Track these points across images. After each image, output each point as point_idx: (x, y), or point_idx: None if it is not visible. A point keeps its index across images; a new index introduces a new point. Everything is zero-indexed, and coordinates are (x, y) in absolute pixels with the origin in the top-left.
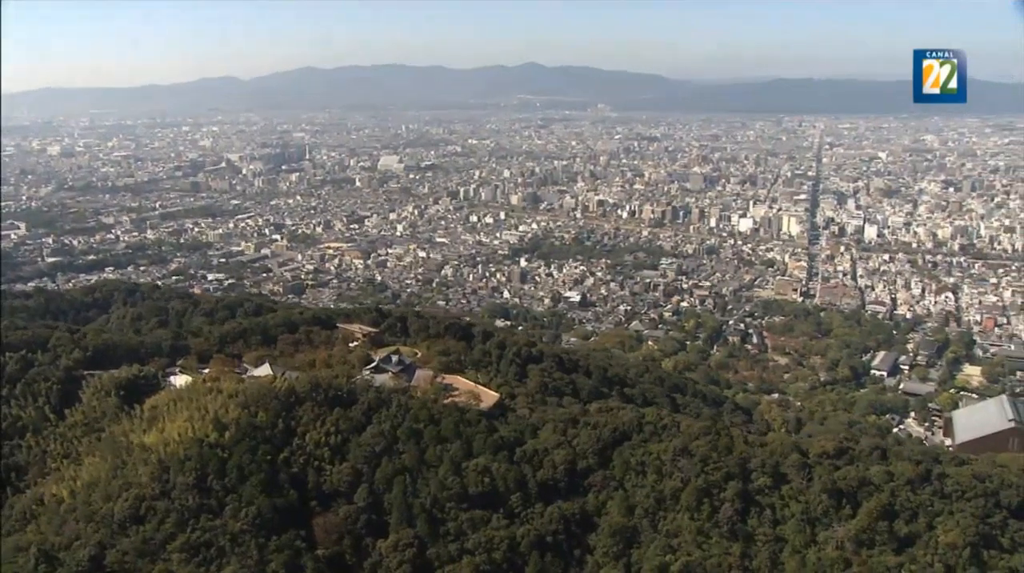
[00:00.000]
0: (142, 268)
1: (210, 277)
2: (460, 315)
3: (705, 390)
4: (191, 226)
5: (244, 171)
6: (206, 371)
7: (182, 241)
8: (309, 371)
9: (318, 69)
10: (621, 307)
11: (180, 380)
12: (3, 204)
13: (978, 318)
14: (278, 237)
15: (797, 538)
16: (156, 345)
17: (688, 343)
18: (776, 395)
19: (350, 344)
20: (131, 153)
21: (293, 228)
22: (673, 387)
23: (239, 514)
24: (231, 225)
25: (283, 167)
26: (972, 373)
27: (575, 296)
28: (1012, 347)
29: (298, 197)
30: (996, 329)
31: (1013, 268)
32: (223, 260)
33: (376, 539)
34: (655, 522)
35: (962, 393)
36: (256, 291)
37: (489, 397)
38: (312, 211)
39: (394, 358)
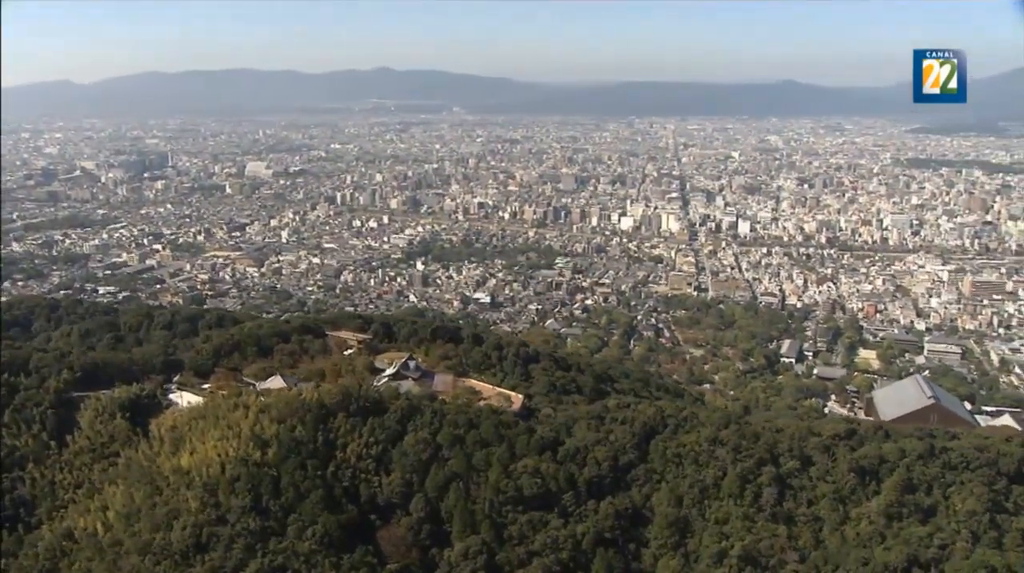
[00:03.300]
0: (20, 283)
1: (101, 290)
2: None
3: (668, 384)
4: (60, 238)
5: (103, 179)
6: (206, 386)
7: (55, 253)
8: (319, 381)
9: (162, 73)
10: (531, 306)
11: (184, 397)
12: None
13: (860, 306)
14: (159, 247)
15: (832, 517)
16: (147, 362)
17: (607, 340)
18: (708, 386)
19: (345, 352)
20: None
21: (172, 237)
22: (640, 382)
23: (304, 534)
24: (105, 235)
25: (145, 175)
26: (868, 356)
27: (484, 297)
28: (896, 331)
29: (168, 205)
30: (878, 315)
31: (876, 258)
32: (108, 272)
33: (441, 549)
34: (703, 511)
35: (867, 375)
36: (155, 302)
37: (515, 398)
38: (187, 219)
39: (411, 364)
